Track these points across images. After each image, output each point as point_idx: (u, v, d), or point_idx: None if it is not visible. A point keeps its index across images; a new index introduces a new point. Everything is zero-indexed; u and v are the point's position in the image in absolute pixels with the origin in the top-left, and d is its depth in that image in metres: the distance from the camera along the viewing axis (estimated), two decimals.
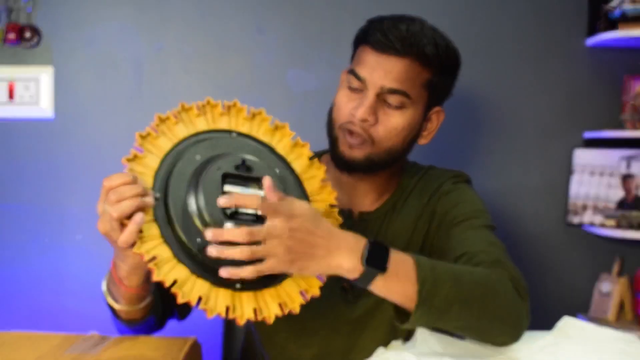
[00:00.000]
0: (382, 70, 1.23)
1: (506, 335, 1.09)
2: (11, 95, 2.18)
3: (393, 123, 1.25)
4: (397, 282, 1.01)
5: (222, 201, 0.96)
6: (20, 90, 2.18)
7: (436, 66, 1.26)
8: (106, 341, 1.08)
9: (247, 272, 0.95)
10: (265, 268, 0.96)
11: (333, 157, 1.30)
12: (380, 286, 1.01)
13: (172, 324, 1.28)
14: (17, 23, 2.14)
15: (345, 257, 0.99)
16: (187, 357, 1.02)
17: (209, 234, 0.94)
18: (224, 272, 0.95)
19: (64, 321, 2.15)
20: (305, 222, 0.97)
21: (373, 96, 1.23)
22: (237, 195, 0.97)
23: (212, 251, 0.94)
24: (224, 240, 0.94)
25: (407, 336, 1.22)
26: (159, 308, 1.18)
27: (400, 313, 1.06)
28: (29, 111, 2.19)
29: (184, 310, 1.26)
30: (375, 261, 1.00)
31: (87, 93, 2.19)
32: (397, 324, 1.07)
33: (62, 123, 2.19)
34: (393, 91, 1.23)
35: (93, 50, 2.19)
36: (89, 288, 2.04)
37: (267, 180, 0.98)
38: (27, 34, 2.14)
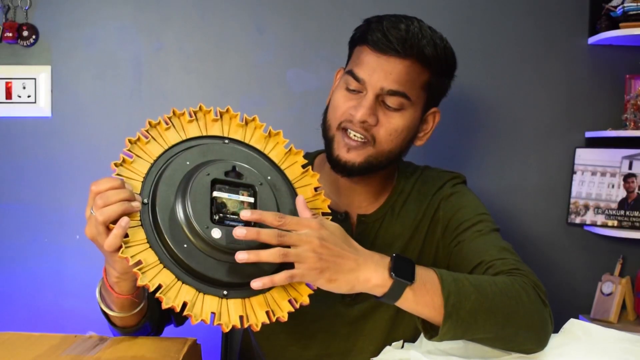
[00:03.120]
0: (382, 71, 1.22)
1: (533, 343, 1.09)
2: (9, 94, 2.17)
3: (393, 124, 1.24)
4: (426, 294, 1.01)
5: (243, 213, 0.96)
6: (18, 89, 2.17)
7: (435, 67, 1.25)
8: (105, 342, 1.07)
9: (280, 278, 0.95)
10: (297, 274, 0.96)
11: (329, 159, 1.28)
12: (409, 299, 1.01)
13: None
14: (14, 21, 2.14)
15: (374, 271, 0.99)
16: (186, 358, 1.01)
17: (238, 231, 0.94)
18: (257, 284, 0.95)
19: (63, 321, 2.14)
20: (333, 236, 0.99)
21: (372, 97, 1.22)
22: (259, 211, 0.97)
23: (242, 256, 0.94)
24: (251, 238, 0.94)
25: (406, 338, 1.22)
26: (154, 314, 1.17)
27: (427, 327, 1.06)
28: (26, 110, 2.18)
29: (181, 317, 1.25)
30: (403, 273, 1.00)
31: (85, 92, 2.19)
32: (426, 338, 1.07)
33: (60, 122, 2.18)
34: (393, 93, 1.22)
35: (92, 50, 2.18)
36: (88, 288, 2.02)
37: (300, 199, 1.02)
38: (25, 33, 2.13)
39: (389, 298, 1.00)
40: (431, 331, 1.05)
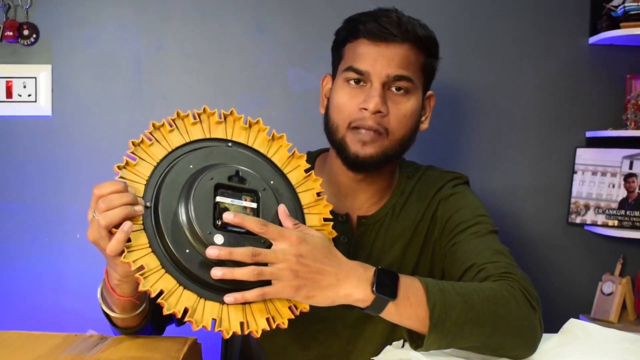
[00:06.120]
0: (384, 59, 1.22)
1: (521, 349, 1.08)
2: (9, 93, 2.17)
3: (402, 110, 1.24)
4: (409, 308, 1.00)
5: (226, 215, 0.95)
6: (18, 88, 2.17)
7: (427, 48, 1.27)
8: (105, 341, 1.07)
9: (252, 295, 0.95)
10: (271, 291, 0.95)
11: (344, 159, 1.27)
12: (392, 313, 1.00)
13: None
14: (14, 20, 2.14)
15: (355, 286, 0.99)
16: (186, 357, 1.01)
17: (211, 251, 0.93)
18: (229, 298, 0.95)
19: (63, 320, 2.14)
20: (315, 250, 0.97)
21: (380, 86, 1.22)
22: (242, 215, 0.96)
23: (217, 273, 0.93)
24: (226, 259, 0.93)
25: (406, 340, 1.21)
26: (155, 315, 1.16)
27: (414, 337, 1.05)
28: (26, 109, 2.18)
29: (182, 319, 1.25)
30: (385, 288, 0.99)
31: (86, 92, 2.19)
32: (412, 348, 1.06)
33: (60, 121, 2.19)
34: (399, 78, 1.23)
35: (92, 49, 2.18)
36: (88, 287, 2.02)
37: (281, 208, 1.00)
38: (25, 32, 2.14)
39: (372, 311, 1.00)
40: (417, 341, 1.04)
